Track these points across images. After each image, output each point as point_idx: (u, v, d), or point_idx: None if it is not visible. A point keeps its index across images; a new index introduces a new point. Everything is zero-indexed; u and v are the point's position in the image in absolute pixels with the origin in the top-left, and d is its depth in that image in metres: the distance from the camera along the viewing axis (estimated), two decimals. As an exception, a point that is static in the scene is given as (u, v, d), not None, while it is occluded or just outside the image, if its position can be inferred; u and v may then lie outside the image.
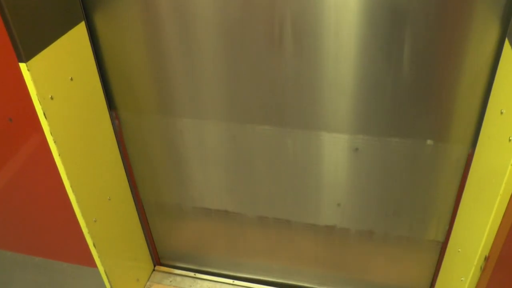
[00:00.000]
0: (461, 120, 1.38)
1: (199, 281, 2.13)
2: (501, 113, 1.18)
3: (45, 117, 1.30)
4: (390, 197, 1.62)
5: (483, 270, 1.29)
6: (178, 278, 2.14)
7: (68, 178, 1.44)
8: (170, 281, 2.13)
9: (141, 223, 2.00)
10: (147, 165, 1.80)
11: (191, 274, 2.15)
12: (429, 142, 1.44)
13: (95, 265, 1.71)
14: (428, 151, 1.46)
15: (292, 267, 2.01)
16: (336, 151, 1.54)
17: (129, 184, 1.85)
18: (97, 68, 1.53)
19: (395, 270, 1.88)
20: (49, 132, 1.34)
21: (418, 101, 1.37)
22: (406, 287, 1.91)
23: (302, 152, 1.58)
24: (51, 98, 1.32)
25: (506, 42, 1.18)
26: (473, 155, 1.41)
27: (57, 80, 1.35)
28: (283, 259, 1.99)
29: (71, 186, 1.46)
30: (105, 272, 1.73)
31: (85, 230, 1.58)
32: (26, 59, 1.21)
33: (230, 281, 2.11)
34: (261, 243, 1.95)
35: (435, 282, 1.80)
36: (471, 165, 1.43)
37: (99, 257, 1.67)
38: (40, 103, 1.28)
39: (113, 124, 1.66)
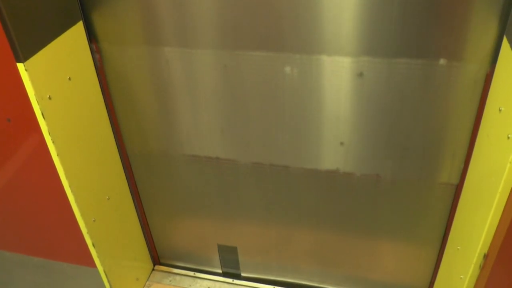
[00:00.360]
0: (478, 34, 1.22)
1: (198, 280, 2.13)
2: (500, 110, 1.18)
3: (43, 117, 1.30)
4: (399, 130, 1.45)
5: (482, 268, 1.29)
6: (178, 278, 2.14)
7: (67, 178, 1.44)
8: (170, 281, 2.13)
9: (140, 223, 2.00)
10: (131, 107, 1.64)
11: (191, 273, 2.15)
12: (442, 61, 1.28)
13: (94, 265, 1.71)
14: (441, 72, 1.30)
15: (290, 224, 1.84)
16: (338, 78, 1.38)
17: (113, 133, 1.71)
18: (94, 68, 1.53)
19: (403, 223, 1.70)
20: (48, 132, 1.33)
21: (429, 14, 1.21)
22: (415, 247, 1.77)
23: (301, 81, 1.42)
24: (49, 98, 1.32)
25: (505, 40, 1.18)
26: (492, 75, 1.25)
27: (55, 80, 1.34)
28: (280, 212, 1.81)
29: (69, 186, 1.45)
30: (105, 272, 1.73)
31: (84, 230, 1.58)
32: (24, 59, 1.20)
33: (230, 280, 2.12)
34: (256, 194, 1.78)
35: (434, 280, 1.80)
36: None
37: (98, 257, 1.67)
38: (38, 103, 1.27)
39: (93, 58, 1.52)
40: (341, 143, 1.53)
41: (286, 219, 1.83)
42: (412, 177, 1.55)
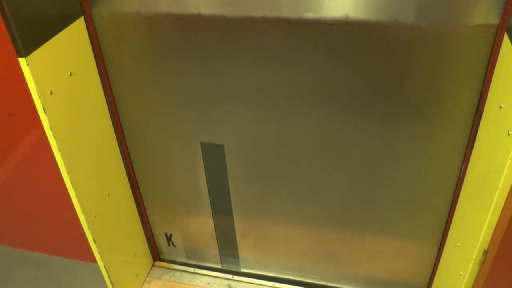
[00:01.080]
0: None
1: (198, 276, 2.13)
2: (500, 107, 1.18)
3: (45, 112, 1.30)
4: None
5: (482, 264, 1.29)
6: (178, 274, 2.15)
7: (68, 173, 1.44)
8: (170, 277, 2.13)
9: (140, 219, 2.01)
10: None
11: (191, 269, 2.16)
12: None
13: (95, 261, 1.71)
14: None
15: (287, 108, 1.51)
16: None
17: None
18: (96, 64, 1.53)
19: (431, 91, 1.36)
20: (49, 127, 1.34)
21: None
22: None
23: None
24: (51, 93, 1.32)
25: (505, 37, 1.18)
26: None
27: (57, 75, 1.34)
28: (275, 89, 1.48)
29: (71, 181, 1.46)
30: (105, 267, 1.73)
31: (85, 225, 1.58)
32: (25, 54, 1.21)
33: (229, 276, 2.12)
34: (244, 64, 1.46)
35: (434, 276, 1.81)
36: (470, 159, 1.33)
37: (98, 252, 1.67)
38: (39, 98, 1.28)
39: None
40: None
41: (282, 101, 1.51)
42: (440, 20, 1.22)
